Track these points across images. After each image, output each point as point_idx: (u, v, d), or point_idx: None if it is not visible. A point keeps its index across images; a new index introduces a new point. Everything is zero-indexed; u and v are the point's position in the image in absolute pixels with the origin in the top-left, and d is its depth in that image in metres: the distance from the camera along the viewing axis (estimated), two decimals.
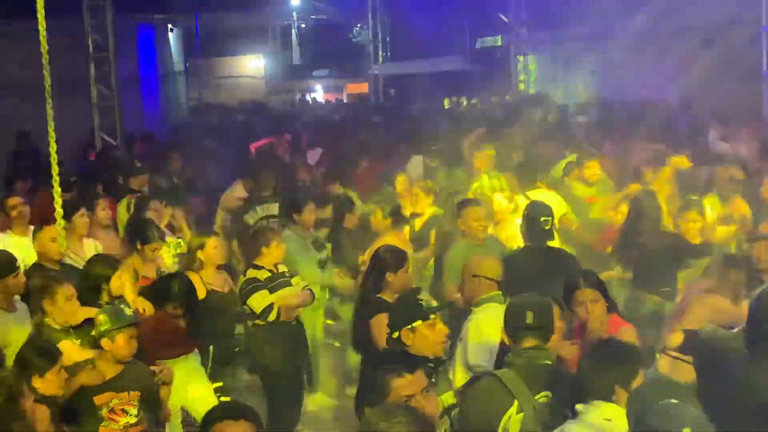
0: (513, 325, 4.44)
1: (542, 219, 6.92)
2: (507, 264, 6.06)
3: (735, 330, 4.34)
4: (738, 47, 16.94)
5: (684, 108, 16.67)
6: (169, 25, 23.67)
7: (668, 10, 18.42)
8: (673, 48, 19.45)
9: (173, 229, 8.85)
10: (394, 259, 6.17)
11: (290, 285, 7.35)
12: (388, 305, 5.91)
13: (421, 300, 4.89)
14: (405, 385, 3.76)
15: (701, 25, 18.00)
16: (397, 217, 8.60)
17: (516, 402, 4.15)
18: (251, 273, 7.26)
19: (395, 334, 4.67)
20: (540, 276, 6.07)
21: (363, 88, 33.24)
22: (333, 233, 9.01)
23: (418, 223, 8.87)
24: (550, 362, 4.38)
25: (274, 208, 9.32)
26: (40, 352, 4.91)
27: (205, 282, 7.09)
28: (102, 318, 5.26)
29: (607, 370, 3.94)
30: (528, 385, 4.20)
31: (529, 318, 4.38)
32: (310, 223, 8.56)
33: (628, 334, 5.21)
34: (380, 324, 5.62)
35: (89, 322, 5.58)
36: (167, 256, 8.13)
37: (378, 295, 6.11)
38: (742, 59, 17.23)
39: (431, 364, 4.55)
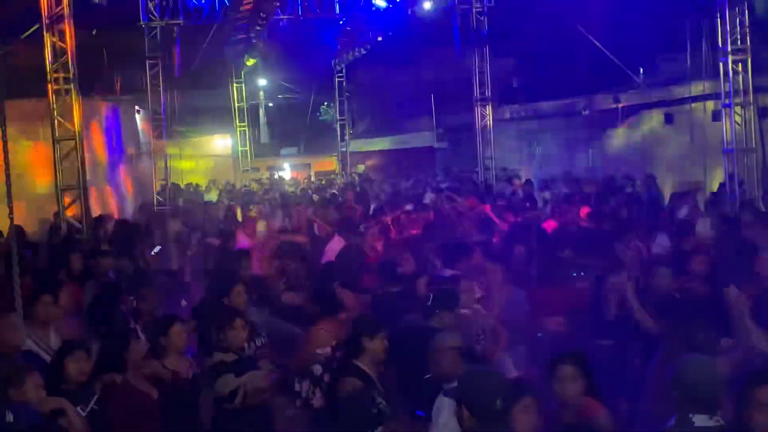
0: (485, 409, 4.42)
1: None
2: None
3: None
4: None
5: None
6: (136, 106, 23.76)
7: None
8: None
9: (139, 313, 8.72)
10: (371, 324, 6.28)
11: (257, 368, 7.24)
12: (365, 376, 5.93)
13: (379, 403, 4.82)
14: None
15: None
16: None
17: None
18: (217, 356, 7.14)
19: None
20: None
21: (331, 165, 33.46)
22: None
23: None
24: None
25: None
26: None
27: (170, 367, 6.97)
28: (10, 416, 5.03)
29: None
30: None
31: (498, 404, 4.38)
32: None
33: (602, 421, 5.16)
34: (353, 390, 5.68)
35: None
36: None
37: (354, 361, 6.17)
38: None
39: None
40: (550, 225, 13.31)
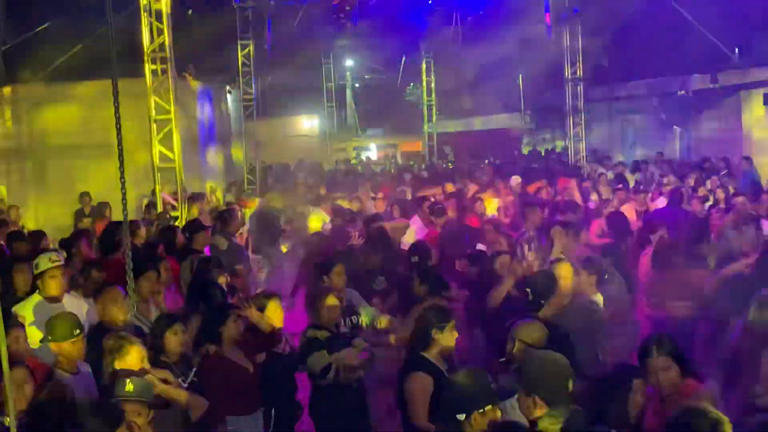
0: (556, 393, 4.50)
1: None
2: None
3: None
4: None
5: None
6: (227, 87, 24.13)
7: None
8: None
9: (233, 289, 8.87)
10: (440, 315, 6.13)
11: (351, 346, 7.28)
12: (436, 370, 5.88)
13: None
14: None
15: None
16: None
17: None
18: (311, 332, 7.22)
19: (461, 416, 4.55)
20: None
21: (417, 146, 33.44)
22: None
23: None
24: None
25: None
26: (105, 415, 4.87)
27: None
28: (130, 385, 5.08)
29: None
30: None
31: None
32: None
33: (704, 397, 5.04)
34: (423, 388, 5.64)
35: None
36: None
37: (423, 354, 6.04)
38: None
39: None
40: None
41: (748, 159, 17.97)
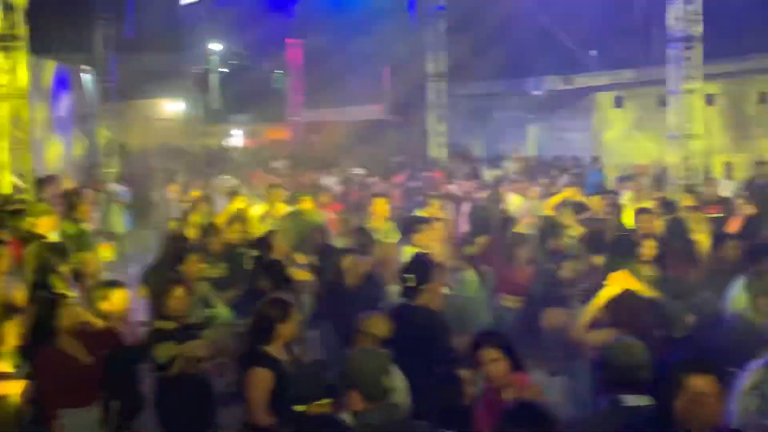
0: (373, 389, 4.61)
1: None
2: None
3: None
4: None
5: None
6: (83, 66, 23.38)
7: None
8: None
9: (80, 276, 8.67)
10: (284, 307, 6.16)
11: (198, 337, 7.25)
12: (276, 363, 5.91)
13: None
14: None
15: None
16: None
17: None
18: (158, 323, 7.15)
19: (299, 407, 4.64)
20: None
21: (283, 134, 33.26)
22: None
23: None
24: None
25: None
26: None
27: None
28: None
29: None
30: None
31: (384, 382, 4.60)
32: None
33: (531, 392, 5.23)
34: (262, 383, 5.67)
35: None
36: None
37: (265, 349, 6.03)
38: None
39: None
40: None
41: (596, 158, 18.74)
